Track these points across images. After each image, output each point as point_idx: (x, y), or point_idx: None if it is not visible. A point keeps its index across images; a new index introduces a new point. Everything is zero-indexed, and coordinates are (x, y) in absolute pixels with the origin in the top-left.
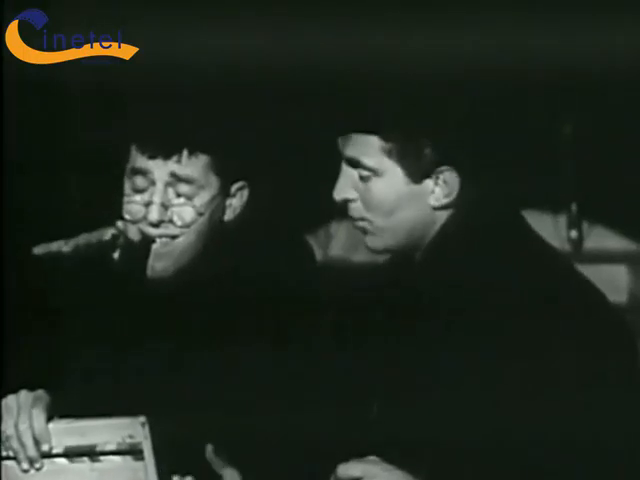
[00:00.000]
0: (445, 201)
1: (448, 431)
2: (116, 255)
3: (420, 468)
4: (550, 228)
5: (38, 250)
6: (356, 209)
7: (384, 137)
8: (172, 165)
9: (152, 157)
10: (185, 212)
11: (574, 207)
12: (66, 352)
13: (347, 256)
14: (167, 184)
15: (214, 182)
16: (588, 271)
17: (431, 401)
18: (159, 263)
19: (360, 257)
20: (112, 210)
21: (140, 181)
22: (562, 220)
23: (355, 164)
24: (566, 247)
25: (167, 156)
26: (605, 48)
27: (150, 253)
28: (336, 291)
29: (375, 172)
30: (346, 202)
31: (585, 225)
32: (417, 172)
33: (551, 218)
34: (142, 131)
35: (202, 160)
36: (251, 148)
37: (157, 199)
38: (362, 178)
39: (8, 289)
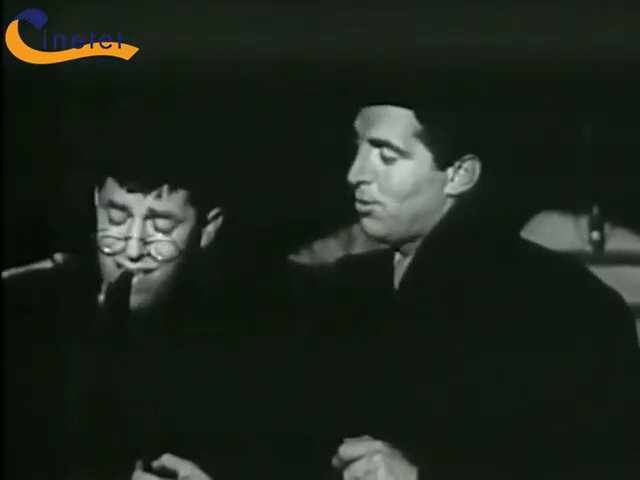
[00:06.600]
0: (462, 189)
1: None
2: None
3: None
4: (571, 230)
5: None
6: (370, 192)
7: (419, 118)
8: (151, 201)
9: (131, 191)
10: (164, 248)
11: (596, 209)
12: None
13: None
14: (146, 217)
15: (191, 214)
16: (610, 273)
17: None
18: (137, 297)
19: None
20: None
21: (117, 214)
22: (584, 222)
23: (381, 144)
24: (587, 249)
25: (147, 191)
26: (629, 48)
27: (131, 288)
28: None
29: (402, 154)
30: (359, 184)
31: (607, 227)
32: (445, 158)
33: (572, 220)
34: (123, 164)
35: (181, 194)
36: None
37: (136, 234)
38: (385, 160)
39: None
